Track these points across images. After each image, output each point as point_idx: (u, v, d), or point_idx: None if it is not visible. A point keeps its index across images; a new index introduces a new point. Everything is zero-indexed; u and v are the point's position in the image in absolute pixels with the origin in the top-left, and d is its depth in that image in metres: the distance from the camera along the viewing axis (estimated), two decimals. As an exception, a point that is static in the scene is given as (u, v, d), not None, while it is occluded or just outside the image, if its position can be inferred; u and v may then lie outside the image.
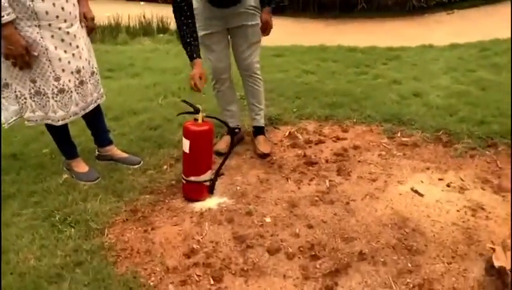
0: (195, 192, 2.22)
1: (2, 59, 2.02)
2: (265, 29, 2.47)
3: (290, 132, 2.91)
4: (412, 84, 3.61)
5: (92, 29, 2.28)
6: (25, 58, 1.97)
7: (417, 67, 4.09)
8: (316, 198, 2.25)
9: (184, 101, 2.13)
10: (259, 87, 2.69)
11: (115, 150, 2.55)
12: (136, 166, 2.47)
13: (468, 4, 6.38)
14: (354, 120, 3.04)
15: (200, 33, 2.38)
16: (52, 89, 2.10)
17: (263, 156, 2.63)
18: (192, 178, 2.18)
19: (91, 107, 2.29)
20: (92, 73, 2.27)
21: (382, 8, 6.44)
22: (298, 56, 4.51)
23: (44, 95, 2.11)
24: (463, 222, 2.04)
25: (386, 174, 2.44)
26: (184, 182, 2.21)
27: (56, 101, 2.12)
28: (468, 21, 6.00)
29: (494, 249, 1.74)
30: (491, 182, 2.34)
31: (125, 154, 2.54)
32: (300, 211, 2.15)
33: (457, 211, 2.13)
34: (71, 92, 2.15)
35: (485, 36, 4.86)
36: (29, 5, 1.92)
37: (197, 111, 2.12)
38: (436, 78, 3.78)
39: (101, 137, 2.52)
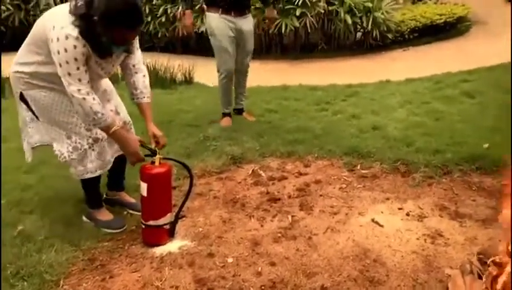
0: (154, 236, 2.18)
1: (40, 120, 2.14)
2: (273, 22, 3.98)
3: (253, 170, 2.93)
4: (370, 118, 3.74)
5: (163, 145, 2.23)
6: (138, 156, 2.09)
7: (375, 102, 4.24)
8: (279, 234, 2.24)
9: (141, 144, 2.13)
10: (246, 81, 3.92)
11: (123, 195, 2.51)
12: None
13: (422, 41, 6.75)
14: (316, 155, 3.10)
15: (222, 39, 3.52)
16: (87, 140, 2.12)
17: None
18: (151, 222, 2.15)
19: (117, 154, 2.27)
20: (124, 123, 2.28)
21: (341, 48, 6.73)
22: (261, 96, 4.62)
23: (81, 149, 2.12)
24: (422, 249, 2.07)
25: (347, 207, 2.47)
26: (143, 226, 2.17)
27: (93, 150, 2.14)
28: (422, 56, 6.33)
29: (450, 275, 1.76)
30: (448, 209, 2.40)
31: (133, 200, 2.49)
32: (263, 248, 2.14)
33: (417, 239, 2.16)
34: (104, 139, 2.16)
35: (438, 70, 5.13)
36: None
37: (153, 153, 2.12)
38: (393, 111, 3.93)
39: (118, 181, 2.49)
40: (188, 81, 5.38)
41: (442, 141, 3.13)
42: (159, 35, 7.43)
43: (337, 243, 2.16)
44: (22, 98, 2.11)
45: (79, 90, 1.92)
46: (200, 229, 2.32)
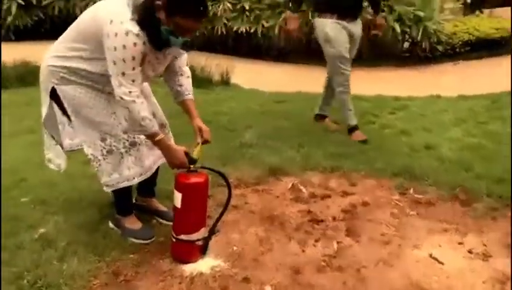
0: (185, 252, 1.97)
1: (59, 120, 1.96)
2: (381, 30, 3.72)
3: (293, 184, 2.69)
4: (422, 136, 3.43)
5: (207, 141, 2.05)
6: (184, 167, 1.91)
7: (426, 118, 3.92)
8: (323, 263, 1.99)
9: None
10: None
11: (154, 202, 2.32)
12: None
13: (473, 56, 6.33)
14: (362, 173, 2.82)
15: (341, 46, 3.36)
16: (123, 143, 1.94)
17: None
18: (183, 237, 1.93)
19: (160, 162, 2.08)
20: (161, 125, 2.09)
21: (387, 57, 6.39)
22: (302, 103, 4.36)
23: (116, 152, 1.94)
24: (491, 297, 1.78)
25: (399, 237, 2.19)
26: (174, 240, 1.97)
27: (130, 155, 1.95)
28: (473, 72, 5.93)
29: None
30: (517, 248, 2.09)
31: (164, 208, 2.30)
32: (305, 278, 1.89)
33: (483, 282, 1.87)
34: (143, 143, 1.98)
35: (492, 88, 4.74)
36: None
37: (192, 161, 1.91)
38: (446, 130, 3.61)
39: (150, 187, 2.28)
40: (225, 82, 5.19)
41: (504, 168, 2.79)
42: (198, 33, 7.28)
43: (390, 279, 1.89)
44: (54, 93, 1.94)
45: (130, 92, 1.74)
46: (235, 247, 2.10)
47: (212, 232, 2.01)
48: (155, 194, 2.31)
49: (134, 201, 2.29)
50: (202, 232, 1.98)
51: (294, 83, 5.41)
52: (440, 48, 6.12)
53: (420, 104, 4.35)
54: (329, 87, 3.63)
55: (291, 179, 2.77)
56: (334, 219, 2.36)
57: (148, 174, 2.02)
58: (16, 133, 3.39)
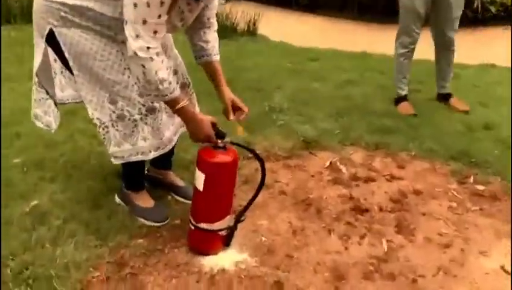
0: (205, 243, 1.63)
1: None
2: None
3: (331, 162, 2.29)
4: (479, 112, 2.96)
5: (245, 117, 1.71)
6: (211, 141, 1.52)
7: (480, 90, 3.43)
8: (371, 267, 1.64)
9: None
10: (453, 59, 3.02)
11: (170, 175, 1.96)
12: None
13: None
14: (412, 153, 2.41)
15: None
16: (139, 109, 1.54)
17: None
18: (204, 225, 1.58)
19: (182, 130, 1.70)
20: (184, 85, 1.70)
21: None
22: (337, 62, 3.88)
23: (129, 119, 1.55)
24: None
25: (461, 238, 1.81)
26: (192, 227, 1.61)
27: (146, 123, 1.56)
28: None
29: None
30: None
31: (181, 182, 1.94)
32: (350, 286, 1.54)
33: None
34: (162, 110, 1.58)
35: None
36: None
37: (220, 135, 1.52)
38: (504, 105, 3.12)
39: (166, 158, 1.87)
40: (251, 32, 4.67)
41: None
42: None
43: (455, 296, 1.53)
44: (51, 38, 1.52)
45: (148, 48, 1.32)
46: (263, 238, 1.75)
47: (238, 221, 1.65)
48: (171, 165, 1.94)
49: (146, 172, 1.93)
50: (227, 221, 1.62)
51: (326, 38, 4.88)
52: (493, 8, 5.44)
53: (472, 73, 3.83)
54: (438, 55, 3.05)
55: (328, 154, 2.37)
56: (380, 209, 1.98)
57: (168, 147, 1.64)
58: (17, 77, 3.00)
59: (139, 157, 1.59)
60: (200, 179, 1.52)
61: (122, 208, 1.80)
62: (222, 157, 1.51)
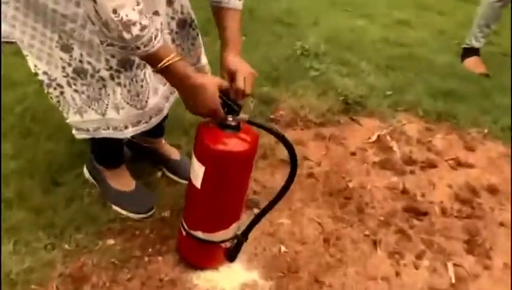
0: (202, 255, 1.15)
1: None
2: None
3: (379, 136, 1.74)
4: None
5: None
6: (217, 114, 0.95)
7: None
8: (432, 307, 1.16)
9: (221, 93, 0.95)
10: None
11: (161, 145, 1.42)
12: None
13: None
14: (485, 130, 1.83)
15: None
16: (108, 61, 0.97)
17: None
18: (201, 234, 1.09)
19: (174, 97, 1.14)
20: (183, 22, 1.08)
21: None
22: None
23: (93, 75, 0.98)
24: None
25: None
26: (184, 233, 1.12)
27: (120, 85, 1.00)
28: None
29: None
30: None
31: (176, 154, 1.42)
32: (403, 341, 1.08)
33: None
34: (145, 65, 1.00)
35: None
36: None
37: (232, 109, 0.96)
38: None
39: (158, 126, 1.25)
40: None
41: None
42: None
43: None
44: None
45: None
46: (283, 248, 1.26)
47: (249, 231, 1.14)
48: (164, 131, 1.40)
49: (134, 139, 1.41)
50: (233, 230, 1.12)
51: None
52: None
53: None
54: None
55: (375, 123, 1.80)
56: (443, 211, 1.46)
57: (154, 122, 1.09)
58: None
59: (111, 134, 1.06)
60: (197, 171, 1.00)
61: (91, 187, 1.30)
62: (233, 144, 0.97)
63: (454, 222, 1.43)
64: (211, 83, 0.91)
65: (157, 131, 1.36)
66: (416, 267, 1.26)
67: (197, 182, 1.01)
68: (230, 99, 0.96)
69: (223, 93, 0.94)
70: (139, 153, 1.41)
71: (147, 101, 1.02)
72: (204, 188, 1.01)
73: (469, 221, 1.43)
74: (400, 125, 1.80)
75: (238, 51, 1.01)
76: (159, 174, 1.40)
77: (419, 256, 1.29)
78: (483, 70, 2.24)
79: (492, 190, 1.56)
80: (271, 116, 1.75)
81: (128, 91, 0.99)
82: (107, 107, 1.01)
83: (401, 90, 1.98)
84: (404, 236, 1.35)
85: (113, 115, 1.02)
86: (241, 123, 0.98)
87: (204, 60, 1.20)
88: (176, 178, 1.38)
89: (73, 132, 1.09)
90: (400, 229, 1.37)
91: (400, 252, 1.29)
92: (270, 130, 0.99)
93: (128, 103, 1.00)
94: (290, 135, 1.68)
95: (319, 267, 1.22)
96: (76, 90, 1.00)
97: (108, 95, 0.99)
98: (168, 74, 0.87)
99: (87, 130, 1.07)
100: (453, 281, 1.23)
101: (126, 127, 1.04)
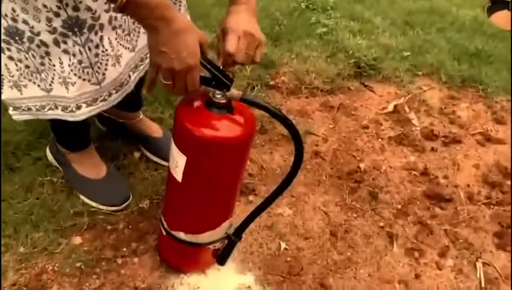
0: (186, 258, 0.95)
1: None
2: None
3: (395, 106, 1.50)
4: None
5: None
6: (194, 75, 0.68)
7: None
8: (458, 316, 0.99)
9: (202, 60, 0.71)
10: None
11: (139, 119, 1.17)
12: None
13: None
14: (517, 99, 1.60)
15: None
16: (50, 20, 0.72)
17: None
18: (183, 236, 0.89)
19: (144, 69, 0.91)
20: None
21: None
22: None
23: (32, 40, 0.75)
24: None
25: None
26: (164, 233, 0.92)
27: (67, 53, 0.77)
28: None
29: None
30: None
31: (157, 131, 1.18)
32: None
33: None
34: (105, 27, 0.76)
35: None
36: None
37: (221, 82, 0.73)
38: None
39: (133, 97, 1.00)
40: None
41: None
42: None
43: None
44: None
45: None
46: (283, 244, 1.07)
47: (242, 230, 0.94)
48: (142, 104, 1.17)
49: (108, 114, 1.18)
50: (222, 229, 0.92)
51: None
52: None
53: None
54: None
55: (391, 90, 1.57)
56: (469, 197, 1.25)
57: (116, 98, 0.85)
58: None
59: (60, 115, 0.83)
60: (177, 161, 0.78)
61: (53, 173, 1.09)
62: (222, 129, 0.75)
63: (482, 209, 1.23)
64: (193, 28, 0.66)
65: (133, 103, 1.13)
66: (439, 268, 1.08)
67: (178, 175, 0.80)
68: (219, 68, 0.73)
69: (208, 61, 0.71)
70: (113, 129, 1.19)
71: (104, 74, 0.79)
72: (186, 181, 0.80)
73: (500, 209, 1.23)
74: (419, 92, 1.57)
75: (248, 8, 0.76)
76: (137, 155, 1.18)
77: (443, 253, 1.10)
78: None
79: (526, 171, 1.36)
80: (271, 82, 1.51)
81: (79, 61, 0.75)
82: (52, 81, 0.78)
83: (421, 51, 1.72)
84: (425, 228, 1.16)
85: (61, 91, 0.79)
86: (233, 101, 0.76)
87: (187, 15, 0.95)
88: (157, 160, 1.17)
89: (10, 111, 0.86)
90: (420, 219, 1.17)
91: (420, 249, 1.11)
92: (271, 112, 0.76)
93: (80, 77, 0.77)
94: (293, 104, 1.46)
95: (324, 269, 1.03)
96: (11, 58, 0.76)
97: (54, 65, 0.76)
98: (130, 10, 0.61)
99: (29, 109, 0.84)
100: (483, 284, 1.05)
101: (79, 108, 0.81)
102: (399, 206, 1.20)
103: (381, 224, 1.15)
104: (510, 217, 1.21)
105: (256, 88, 1.47)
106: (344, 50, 1.65)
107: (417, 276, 1.05)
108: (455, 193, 1.26)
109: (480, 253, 1.12)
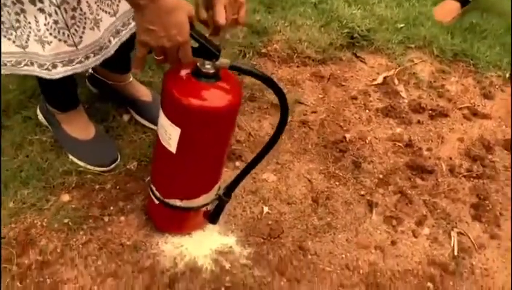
0: (176, 221, 0.99)
1: None
2: None
3: (385, 78, 1.51)
4: None
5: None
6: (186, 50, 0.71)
7: None
8: (429, 283, 1.03)
9: (192, 32, 0.71)
10: None
11: (128, 82, 1.17)
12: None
13: None
14: (506, 75, 1.60)
15: None
16: None
17: None
18: (177, 202, 0.92)
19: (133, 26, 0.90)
20: None
21: None
22: None
23: (8, 4, 0.76)
24: None
25: None
26: (156, 201, 0.95)
27: (42, 12, 0.78)
28: None
29: None
30: None
31: (147, 95, 1.19)
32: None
33: None
34: None
35: None
36: None
37: (209, 52, 0.74)
38: None
39: (122, 58, 1.09)
40: None
41: None
42: None
43: None
44: None
45: None
46: (266, 209, 1.10)
47: (231, 190, 0.96)
48: (130, 67, 1.18)
49: (91, 72, 1.19)
50: (213, 192, 0.94)
51: None
52: None
53: None
54: None
55: (382, 62, 1.57)
56: (451, 170, 1.28)
57: (93, 61, 0.86)
58: None
59: (37, 71, 0.84)
60: (170, 134, 0.80)
61: (43, 132, 1.11)
62: (213, 97, 0.76)
63: (462, 182, 1.26)
64: (180, 4, 0.67)
65: (122, 64, 1.14)
66: (416, 236, 1.12)
67: (172, 146, 0.82)
68: (207, 39, 0.74)
69: (198, 33, 0.72)
70: (103, 92, 1.20)
71: (81, 37, 0.79)
72: (180, 153, 0.82)
73: (479, 182, 1.27)
74: (410, 65, 1.57)
75: None
76: (126, 118, 1.20)
77: (420, 222, 1.14)
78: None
79: (508, 146, 1.38)
80: (263, 50, 1.51)
81: (55, 22, 0.76)
82: (28, 39, 0.79)
83: (415, 24, 1.71)
84: (405, 197, 1.19)
85: (37, 49, 0.80)
86: (220, 69, 0.77)
87: None
88: (146, 123, 1.19)
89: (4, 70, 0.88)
90: (400, 189, 1.21)
91: (398, 217, 1.15)
92: (258, 76, 0.77)
93: (55, 37, 0.78)
94: (284, 73, 1.46)
95: (304, 233, 1.07)
96: None
97: (29, 23, 0.77)
98: None
99: (4, 64, 0.85)
100: (456, 252, 1.10)
101: (55, 66, 0.82)
102: (381, 176, 1.23)
103: (362, 192, 1.18)
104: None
105: (247, 55, 1.48)
106: (338, 20, 1.64)
107: (393, 243, 1.10)
108: (437, 165, 1.29)
109: (456, 223, 1.16)
